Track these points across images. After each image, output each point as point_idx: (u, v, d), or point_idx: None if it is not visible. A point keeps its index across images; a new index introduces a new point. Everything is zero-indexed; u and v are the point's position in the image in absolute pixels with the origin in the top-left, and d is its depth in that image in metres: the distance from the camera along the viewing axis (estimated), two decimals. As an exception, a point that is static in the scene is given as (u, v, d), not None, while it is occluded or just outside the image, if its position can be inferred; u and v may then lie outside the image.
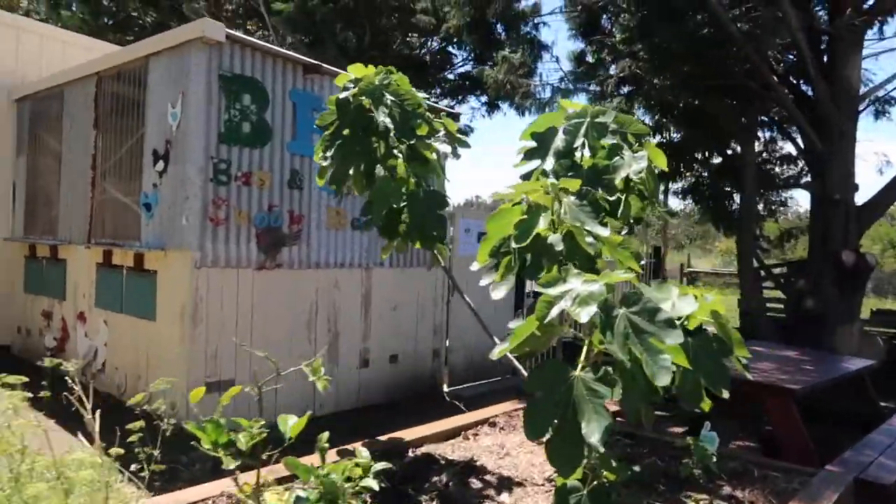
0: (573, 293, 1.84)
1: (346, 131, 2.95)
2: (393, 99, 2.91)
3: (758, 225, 10.39)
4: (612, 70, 9.66)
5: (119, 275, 5.51)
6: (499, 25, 10.48)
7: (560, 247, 2.15)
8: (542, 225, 2.17)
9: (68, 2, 14.63)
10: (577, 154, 2.92)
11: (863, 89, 8.53)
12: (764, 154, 9.79)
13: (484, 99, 12.91)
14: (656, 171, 2.94)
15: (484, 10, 9.26)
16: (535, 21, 10.35)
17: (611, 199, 2.71)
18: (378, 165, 2.97)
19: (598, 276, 1.92)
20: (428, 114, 3.07)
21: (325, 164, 3.00)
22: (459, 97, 13.42)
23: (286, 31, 10.50)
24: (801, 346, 7.00)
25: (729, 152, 9.68)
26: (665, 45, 8.07)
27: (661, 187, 11.84)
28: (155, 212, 5.10)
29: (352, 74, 3.01)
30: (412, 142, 2.92)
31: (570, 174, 2.70)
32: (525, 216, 2.21)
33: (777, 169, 9.83)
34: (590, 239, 2.15)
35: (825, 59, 8.01)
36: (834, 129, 7.68)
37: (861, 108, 8.65)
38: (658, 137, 11.12)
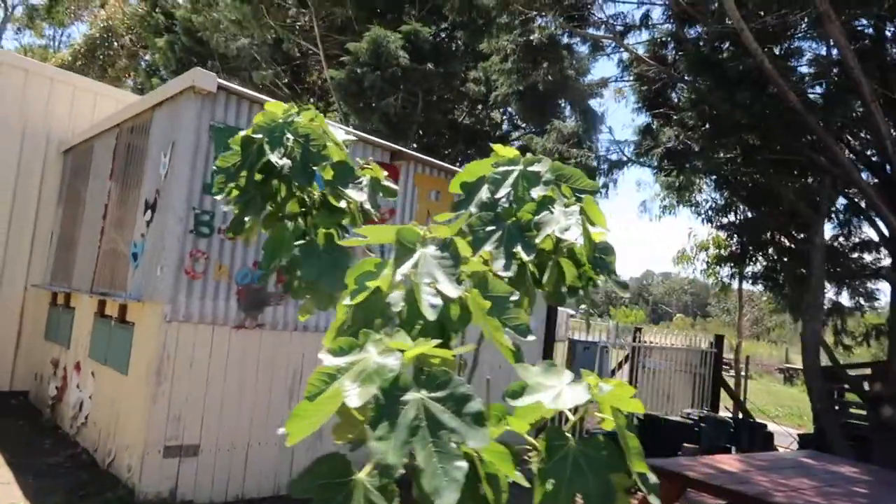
0: (359, 367, 1.38)
1: (243, 173, 2.64)
2: (296, 139, 2.59)
3: (840, 318, 9.28)
4: (671, 143, 9.11)
5: (108, 325, 5.38)
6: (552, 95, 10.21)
7: (399, 306, 1.70)
8: (385, 278, 1.73)
9: (159, 72, 15.68)
10: (505, 207, 2.47)
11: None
12: (841, 238, 8.82)
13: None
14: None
15: (532, 79, 9.04)
16: (591, 91, 10.03)
17: (528, 259, 2.24)
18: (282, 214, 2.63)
19: (411, 345, 1.45)
20: (354, 160, 2.73)
21: (232, 209, 2.70)
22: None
23: (337, 99, 10.64)
24: (880, 462, 5.96)
25: (801, 235, 8.79)
26: (720, 115, 7.51)
27: (730, 270, 10.93)
28: (140, 261, 4.97)
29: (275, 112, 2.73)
30: (312, 187, 2.57)
31: (489, 229, 2.26)
32: (373, 268, 1.79)
33: (855, 255, 8.81)
34: (434, 299, 1.68)
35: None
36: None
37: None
38: (731, 216, 10.36)
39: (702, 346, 9.05)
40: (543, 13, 8.87)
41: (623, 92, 12.02)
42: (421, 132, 11.22)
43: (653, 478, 1.53)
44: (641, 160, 9.37)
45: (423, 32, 10.40)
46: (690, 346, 9.00)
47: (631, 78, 10.39)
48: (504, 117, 13.37)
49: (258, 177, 2.65)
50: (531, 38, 9.11)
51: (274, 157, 2.49)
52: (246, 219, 2.63)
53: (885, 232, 7.59)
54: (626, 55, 9.96)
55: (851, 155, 7.93)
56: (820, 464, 4.99)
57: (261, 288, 4.98)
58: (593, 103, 11.21)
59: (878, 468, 5.36)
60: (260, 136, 2.58)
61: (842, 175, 7.21)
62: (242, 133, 2.67)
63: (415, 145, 10.79)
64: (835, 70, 7.96)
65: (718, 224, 10.29)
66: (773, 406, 15.29)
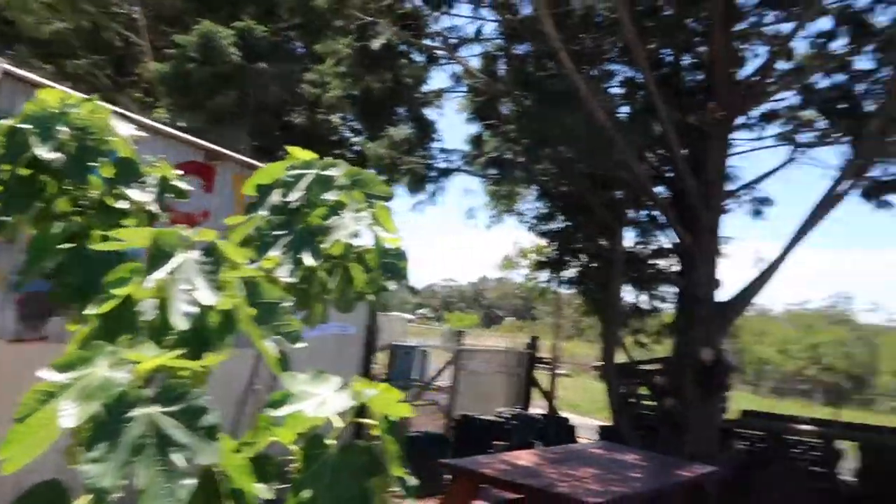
0: (84, 382, 1.29)
1: (6, 167, 2.38)
2: (71, 131, 2.37)
3: (638, 319, 10.24)
4: (496, 153, 9.55)
5: None
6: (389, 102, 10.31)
7: (151, 316, 1.62)
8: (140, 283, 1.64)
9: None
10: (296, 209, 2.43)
11: (732, 186, 8.64)
12: (640, 247, 9.76)
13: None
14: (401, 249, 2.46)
15: (367, 84, 9.07)
16: (427, 100, 10.27)
17: (315, 265, 2.22)
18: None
19: (149, 357, 1.38)
20: (139, 157, 2.55)
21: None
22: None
23: (162, 93, 10.01)
24: (662, 448, 6.63)
25: (607, 243, 9.60)
26: (539, 129, 8.00)
27: (549, 274, 11.65)
28: None
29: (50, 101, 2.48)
30: (90, 185, 2.37)
31: (277, 233, 2.21)
32: (127, 274, 1.69)
33: (651, 262, 9.78)
34: (188, 307, 1.61)
35: (695, 154, 8.08)
36: (701, 226, 7.64)
37: (731, 205, 8.73)
38: (551, 225, 11.03)
39: (519, 347, 9.57)
40: (378, 20, 8.93)
41: (458, 103, 12.46)
42: (253, 133, 10.84)
43: (412, 481, 1.58)
44: (469, 169, 9.74)
45: (258, 30, 10.06)
46: (509, 348, 9.48)
47: (464, 89, 10.77)
48: (343, 122, 13.29)
49: (24, 171, 2.41)
50: (367, 43, 9.14)
51: (42, 151, 2.27)
52: (9, 217, 2.37)
53: (677, 240, 8.49)
54: (459, 67, 10.30)
55: (651, 171, 8.79)
56: (608, 453, 5.46)
57: (45, 293, 4.51)
58: (431, 112, 11.49)
59: (657, 454, 5.97)
60: (29, 126, 2.34)
61: (640, 189, 7.96)
62: (7, 122, 2.41)
63: (244, 147, 10.41)
64: (640, 93, 8.77)
65: (540, 232, 10.94)
66: (587, 401, 16.50)
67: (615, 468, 4.86)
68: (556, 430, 8.69)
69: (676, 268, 9.04)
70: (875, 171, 8.66)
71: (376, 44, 8.49)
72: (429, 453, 6.15)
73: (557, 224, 10.30)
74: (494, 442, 7.69)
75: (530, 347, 9.53)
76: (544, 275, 11.66)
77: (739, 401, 22.23)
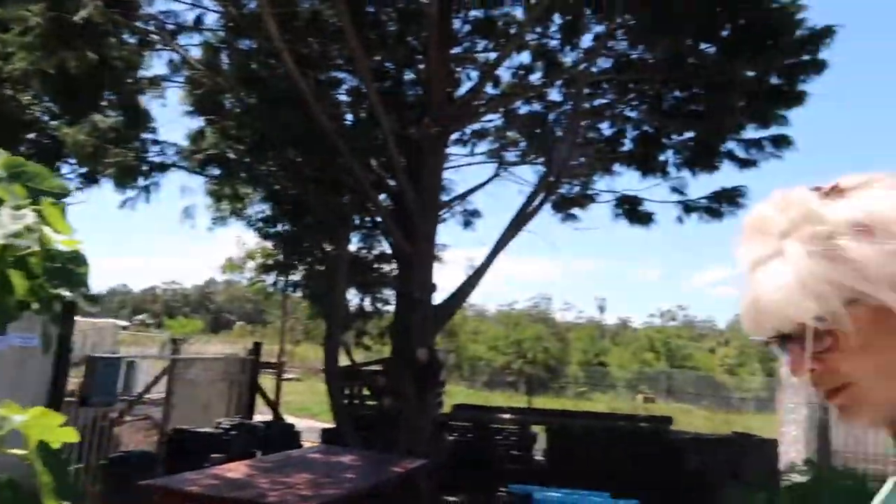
0: None
1: None
2: None
3: (362, 321, 10.52)
4: (216, 150, 9.07)
5: None
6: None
7: None
8: None
9: None
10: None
11: (447, 197, 9.32)
12: (364, 251, 10.05)
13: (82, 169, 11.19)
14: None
15: (62, 61, 7.97)
16: (141, 87, 9.36)
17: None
18: None
19: None
20: None
21: None
22: (52, 164, 11.42)
23: None
24: (382, 447, 6.85)
25: (332, 247, 9.71)
26: (263, 129, 7.79)
27: (275, 277, 11.40)
28: None
29: None
30: None
31: None
32: None
33: (375, 266, 10.14)
34: None
35: (414, 165, 8.55)
36: (419, 233, 8.08)
37: (446, 214, 9.40)
38: (277, 227, 10.77)
39: (241, 353, 9.21)
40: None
41: (178, 94, 11.56)
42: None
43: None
44: (186, 165, 9.11)
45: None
46: (230, 355, 9.07)
47: (182, 80, 10.03)
48: (37, 101, 11.50)
49: None
50: (64, 14, 8.01)
51: None
52: None
53: (395, 246, 8.89)
54: (177, 55, 9.57)
55: (375, 178, 9.08)
56: (326, 457, 5.49)
57: None
58: (148, 101, 10.47)
59: (375, 453, 6.17)
60: None
61: (364, 195, 8.18)
62: None
63: None
64: (364, 103, 9.01)
65: (265, 234, 10.66)
66: (317, 405, 16.46)
67: (331, 471, 4.89)
68: (280, 438, 8.52)
69: (397, 272, 9.46)
70: (563, 189, 10.04)
71: (76, 16, 7.50)
72: (133, 474, 5.61)
73: (283, 227, 10.14)
74: (212, 455, 7.28)
75: (253, 353, 9.22)
76: (271, 278, 11.40)
77: (456, 396, 24.11)
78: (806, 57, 7.02)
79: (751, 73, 7.31)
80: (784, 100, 7.20)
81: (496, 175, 9.51)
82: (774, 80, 7.34)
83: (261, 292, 11.51)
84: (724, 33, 7.45)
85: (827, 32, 7.03)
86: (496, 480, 8.37)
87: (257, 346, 9.33)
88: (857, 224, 0.80)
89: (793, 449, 9.77)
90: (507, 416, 10.31)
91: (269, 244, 11.23)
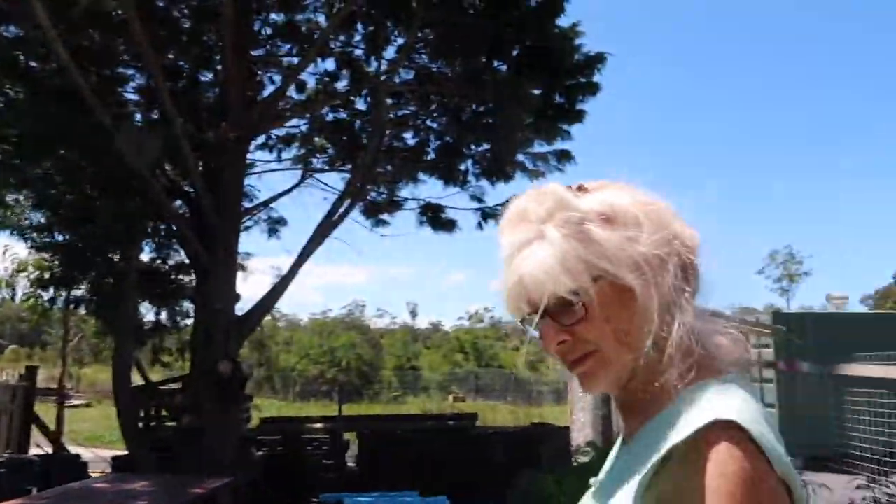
0: None
1: None
2: None
3: (159, 337, 9.78)
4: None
5: None
6: None
7: None
8: None
9: None
10: None
11: (250, 204, 9.00)
12: (159, 261, 9.36)
13: None
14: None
15: None
16: None
17: None
18: None
19: None
20: None
21: None
22: None
23: None
24: (182, 468, 6.42)
25: (120, 258, 8.91)
26: (34, 128, 6.97)
27: (53, 292, 10.22)
28: None
29: None
30: None
31: None
32: None
33: (172, 277, 9.49)
34: None
35: (213, 171, 8.14)
36: (218, 241, 7.70)
37: (249, 222, 9.07)
38: (54, 236, 9.64)
39: (11, 380, 8.13)
40: None
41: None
42: None
43: None
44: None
45: None
46: (-4, 382, 7.97)
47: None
48: None
49: None
50: None
51: None
52: None
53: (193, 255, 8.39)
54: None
55: (168, 183, 8.49)
56: (113, 486, 5.05)
57: None
58: None
59: (171, 476, 5.77)
60: None
61: (156, 202, 7.63)
62: None
63: None
64: (155, 103, 8.41)
65: (40, 245, 9.49)
66: (110, 431, 14.99)
67: (119, 500, 4.50)
68: (61, 471, 7.65)
69: (195, 283, 8.93)
70: (371, 196, 10.14)
71: None
72: None
73: (62, 236, 9.10)
74: (-30, 500, 6.33)
75: (27, 378, 8.16)
76: (48, 293, 10.18)
77: (268, 409, 23.29)
78: (583, 79, 7.81)
79: (537, 92, 7.94)
80: (566, 117, 7.92)
81: (302, 181, 9.37)
82: (558, 99, 8.04)
83: (36, 310, 10.22)
84: (514, 53, 8.02)
85: (599, 59, 7.88)
86: (309, 491, 8.23)
87: (31, 370, 8.27)
88: (602, 213, 0.93)
89: (582, 434, 10.71)
90: (317, 425, 10.17)
91: (44, 255, 10.02)
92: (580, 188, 0.97)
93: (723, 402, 0.83)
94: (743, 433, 0.78)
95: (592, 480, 1.00)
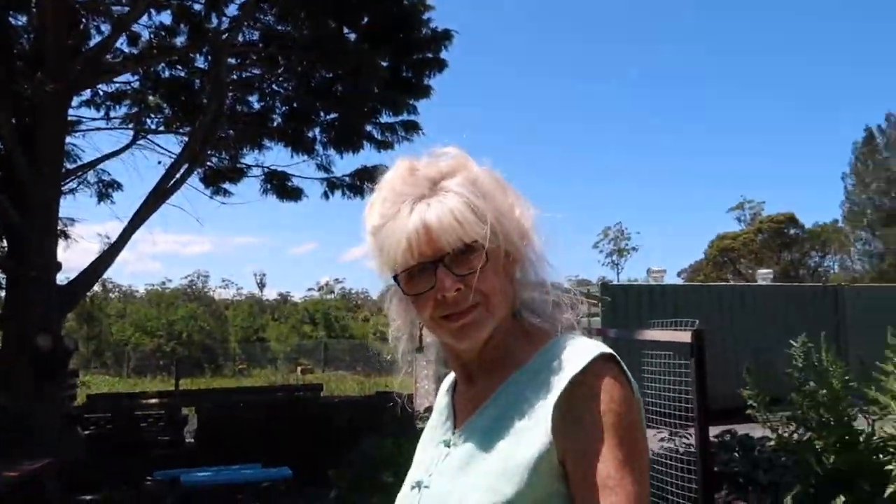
0: None
1: None
2: None
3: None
4: None
5: None
6: None
7: None
8: None
9: None
10: None
11: (73, 165, 8.27)
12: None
13: None
14: None
15: None
16: None
17: None
18: None
19: None
20: None
21: None
22: None
23: None
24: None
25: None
26: None
27: None
28: None
29: None
30: None
31: None
32: None
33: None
34: None
35: (28, 127, 7.35)
36: (34, 204, 7.00)
37: (73, 183, 8.34)
38: None
39: None
40: None
41: None
42: None
43: None
44: None
45: None
46: None
47: None
48: None
49: None
50: None
51: None
52: None
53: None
54: None
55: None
56: None
57: None
58: None
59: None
60: None
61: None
62: None
63: None
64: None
65: None
66: None
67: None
68: None
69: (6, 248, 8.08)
70: (212, 161, 9.67)
71: None
72: None
73: None
74: None
75: None
76: None
77: (99, 386, 21.70)
78: (430, 55, 7.91)
79: (385, 64, 7.94)
80: (413, 91, 8.01)
81: (134, 143, 8.73)
82: (406, 73, 8.09)
83: None
84: (364, 21, 7.95)
85: (447, 35, 8.02)
86: (143, 469, 7.84)
87: None
88: (491, 175, 1.02)
89: (426, 401, 11.10)
90: (152, 401, 9.68)
91: None
92: (439, 155, 1.03)
93: (593, 343, 0.97)
94: (619, 365, 0.95)
95: (443, 440, 1.04)
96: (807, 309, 14.06)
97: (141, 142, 8.97)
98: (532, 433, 0.91)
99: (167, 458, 8.06)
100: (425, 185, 0.98)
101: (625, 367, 0.96)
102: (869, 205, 35.83)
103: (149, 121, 9.34)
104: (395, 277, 0.99)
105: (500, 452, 0.92)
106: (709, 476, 3.36)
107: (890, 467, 3.69)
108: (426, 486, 1.00)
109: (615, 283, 18.35)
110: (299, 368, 28.55)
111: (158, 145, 9.20)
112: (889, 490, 3.60)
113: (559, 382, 0.92)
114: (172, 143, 9.53)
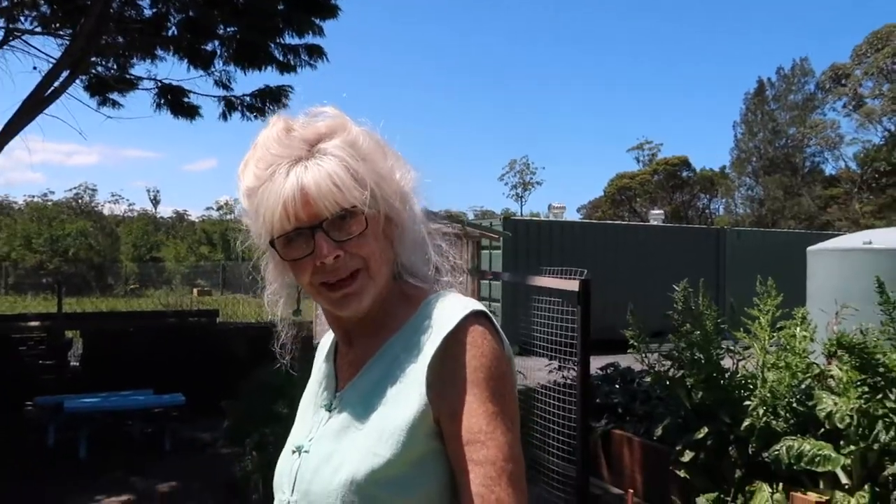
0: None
1: None
2: None
3: None
4: None
5: None
6: None
7: None
8: None
9: None
10: None
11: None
12: None
13: None
14: None
15: None
16: None
17: None
18: None
19: None
20: None
21: None
22: None
23: None
24: None
25: None
26: None
27: None
28: None
29: None
30: None
31: None
32: None
33: None
34: None
35: None
36: None
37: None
38: None
39: None
40: None
41: None
42: None
43: None
44: None
45: None
46: None
47: None
48: None
49: None
50: None
51: None
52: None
53: None
54: None
55: None
56: None
57: None
58: None
59: None
60: None
61: None
62: None
63: None
64: None
65: None
66: None
67: None
68: None
69: None
70: (98, 70, 8.89)
71: None
72: None
73: None
74: None
75: None
76: None
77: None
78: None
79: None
80: (319, 10, 7.58)
81: (5, 43, 7.85)
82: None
83: None
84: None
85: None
86: (23, 396, 7.51)
87: None
88: (371, 136, 0.99)
89: (324, 328, 11.11)
90: (33, 323, 9.17)
91: None
92: (313, 115, 0.98)
93: (464, 300, 0.98)
94: (488, 320, 0.96)
95: (324, 404, 1.03)
96: (693, 249, 15.00)
97: (14, 42, 8.07)
98: (407, 395, 0.92)
99: (49, 384, 7.74)
100: (302, 147, 0.94)
101: (495, 323, 0.97)
102: (755, 153, 38.06)
103: (23, 19, 8.40)
104: (272, 242, 0.96)
105: (378, 416, 0.93)
106: (587, 411, 3.58)
107: (748, 403, 4.07)
108: (306, 451, 0.99)
109: (517, 217, 18.76)
110: (196, 290, 27.78)
111: (34, 47, 8.32)
112: (745, 422, 3.98)
113: (432, 342, 0.93)
114: (52, 48, 8.65)
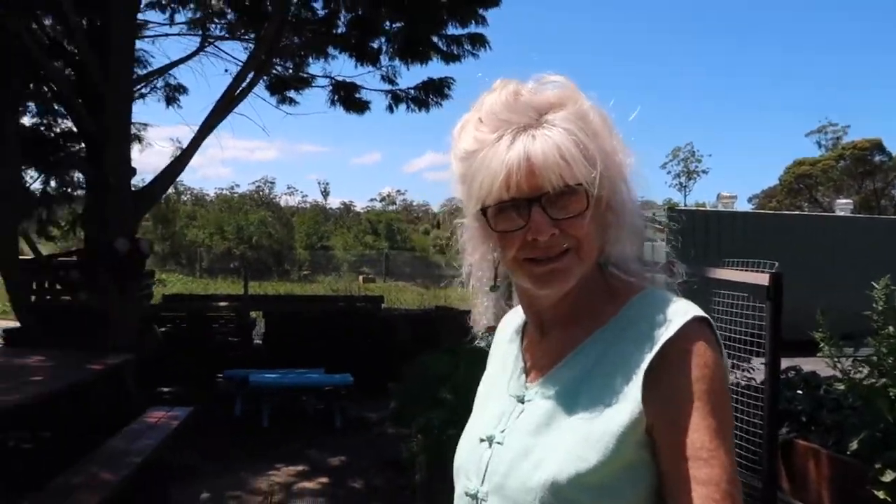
0: None
1: None
2: None
3: (46, 209, 9.24)
4: None
5: None
6: None
7: None
8: None
9: None
10: None
11: (143, 70, 8.35)
12: (43, 128, 8.65)
13: None
14: None
15: None
16: None
17: None
18: None
19: None
20: None
21: None
22: None
23: None
24: (80, 345, 6.29)
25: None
26: None
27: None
28: None
29: None
30: None
31: None
32: None
33: (67, 144, 8.79)
34: None
35: (99, 30, 7.40)
36: (108, 109, 7.13)
37: (144, 89, 8.45)
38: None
39: None
40: None
41: None
42: None
43: None
44: None
45: None
46: None
47: None
48: None
49: None
50: None
51: None
52: None
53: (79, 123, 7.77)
54: None
55: (48, 41, 7.69)
56: (6, 360, 4.92)
57: None
58: None
59: (70, 351, 5.67)
60: None
61: (37, 61, 6.91)
62: None
63: None
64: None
65: None
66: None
67: (13, 374, 4.41)
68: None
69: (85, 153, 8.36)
70: (277, 70, 9.59)
71: None
72: None
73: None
74: None
75: None
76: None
77: (173, 284, 22.88)
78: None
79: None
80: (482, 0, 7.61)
81: (201, 50, 8.70)
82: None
83: None
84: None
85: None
86: (214, 368, 8.31)
87: None
88: (599, 112, 0.92)
89: (484, 318, 11.22)
90: (223, 304, 10.12)
91: None
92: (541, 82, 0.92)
93: (684, 304, 0.91)
94: (710, 328, 0.89)
95: (516, 395, 0.98)
96: (888, 243, 13.36)
97: (208, 49, 8.93)
98: (620, 399, 0.86)
99: (236, 360, 8.50)
100: (531, 115, 0.88)
101: (716, 331, 0.89)
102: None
103: (214, 27, 9.26)
104: (484, 210, 0.90)
105: (585, 415, 0.87)
106: (776, 419, 3.28)
107: (969, 421, 3.52)
108: (499, 443, 0.95)
109: (682, 206, 17.77)
110: (361, 277, 29.31)
111: (225, 52, 9.16)
112: (966, 443, 3.45)
113: (651, 346, 0.86)
114: (239, 52, 9.47)
